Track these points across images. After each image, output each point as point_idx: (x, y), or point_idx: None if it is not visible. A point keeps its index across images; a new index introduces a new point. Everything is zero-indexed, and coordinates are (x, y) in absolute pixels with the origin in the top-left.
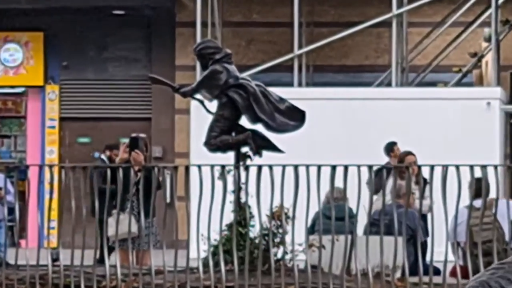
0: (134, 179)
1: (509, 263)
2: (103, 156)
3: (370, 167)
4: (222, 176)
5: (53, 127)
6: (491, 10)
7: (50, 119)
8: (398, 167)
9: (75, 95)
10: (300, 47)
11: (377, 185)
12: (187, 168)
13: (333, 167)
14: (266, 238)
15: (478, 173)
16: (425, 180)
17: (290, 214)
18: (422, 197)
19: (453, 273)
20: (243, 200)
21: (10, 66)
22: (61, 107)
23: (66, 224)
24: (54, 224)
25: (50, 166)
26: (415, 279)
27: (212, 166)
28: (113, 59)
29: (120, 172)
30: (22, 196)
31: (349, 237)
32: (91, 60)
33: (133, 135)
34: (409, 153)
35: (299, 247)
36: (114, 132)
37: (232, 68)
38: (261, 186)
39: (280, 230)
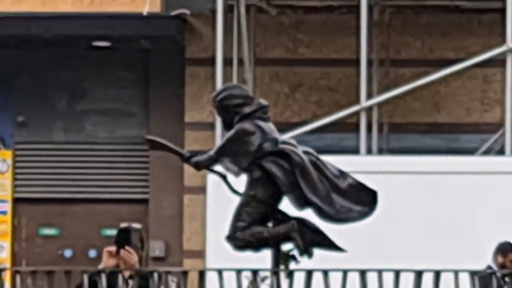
0: None
1: None
2: None
3: (473, 273)
4: (254, 286)
5: (4, 212)
6: None
7: (0, 200)
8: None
9: (36, 165)
10: (369, 96)
11: None
12: (201, 274)
13: (418, 273)
14: None
15: None
16: None
17: None
18: None
19: None
20: None
21: None
22: (16, 183)
23: None
24: None
25: (0, 271)
26: None
27: (239, 271)
28: (93, 112)
29: (103, 281)
30: None
31: None
32: (60, 114)
33: (123, 225)
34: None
35: None
36: (93, 221)
37: (269, 127)
38: None
39: None
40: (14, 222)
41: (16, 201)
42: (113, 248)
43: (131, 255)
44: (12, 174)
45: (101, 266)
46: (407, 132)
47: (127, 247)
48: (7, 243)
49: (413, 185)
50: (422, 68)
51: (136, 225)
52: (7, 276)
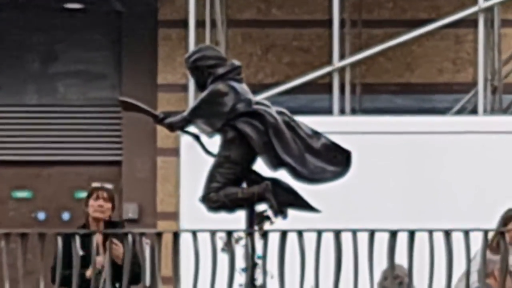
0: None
1: None
2: None
3: (446, 232)
4: (228, 247)
5: None
6: None
7: None
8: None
9: (8, 127)
10: (342, 56)
11: None
12: (175, 235)
13: (393, 233)
14: None
15: None
16: None
17: None
18: None
19: None
20: (259, 282)
21: None
22: None
23: None
24: None
25: None
26: None
27: (214, 232)
28: (66, 74)
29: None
30: None
31: None
32: (33, 76)
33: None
34: None
35: None
36: (66, 183)
37: (242, 88)
38: (285, 261)
39: None
40: None
41: None
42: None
43: (117, 247)
44: None
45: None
46: (380, 93)
47: (113, 239)
48: None
49: (386, 145)
50: (394, 28)
51: (108, 185)
52: None
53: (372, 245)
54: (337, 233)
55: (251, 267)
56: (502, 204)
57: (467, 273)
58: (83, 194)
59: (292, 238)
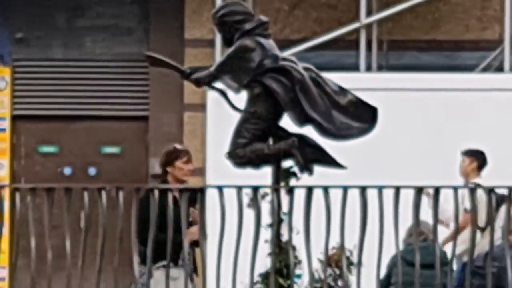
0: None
1: None
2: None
3: (472, 189)
4: (254, 203)
5: (3, 129)
6: None
7: None
8: None
9: (35, 83)
10: (369, 13)
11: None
12: (201, 191)
13: (418, 190)
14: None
15: None
16: None
17: (355, 258)
18: None
19: None
20: (284, 238)
21: None
22: (14, 100)
23: (22, 272)
24: (4, 273)
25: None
26: None
27: (240, 188)
28: (92, 29)
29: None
30: None
31: None
32: (59, 30)
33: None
34: None
35: None
36: (93, 138)
37: (269, 43)
38: (311, 217)
39: (340, 283)
40: (13, 139)
41: (14, 118)
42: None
43: (195, 212)
44: (10, 92)
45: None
46: (406, 50)
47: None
48: (6, 161)
49: (413, 102)
50: None
51: (180, 146)
52: (6, 193)
53: (398, 201)
54: (363, 190)
55: (276, 223)
56: None
57: (492, 230)
58: (109, 149)
59: (318, 194)
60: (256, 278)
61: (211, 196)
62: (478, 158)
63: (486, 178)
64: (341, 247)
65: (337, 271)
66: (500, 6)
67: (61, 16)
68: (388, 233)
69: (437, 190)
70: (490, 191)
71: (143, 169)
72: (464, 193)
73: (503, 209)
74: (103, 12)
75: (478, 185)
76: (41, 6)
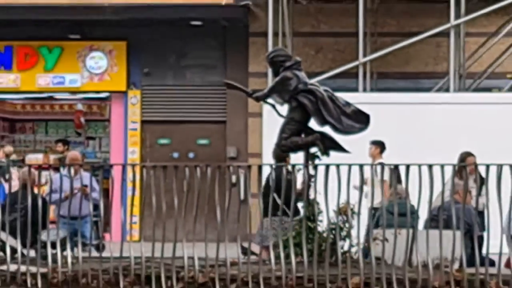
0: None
1: None
2: None
3: (430, 166)
4: (292, 174)
5: (135, 129)
6: None
7: (132, 122)
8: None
9: (155, 99)
10: (364, 55)
11: None
12: (259, 168)
13: (395, 166)
14: (333, 232)
15: None
16: (482, 178)
17: (356, 210)
18: (479, 194)
19: (508, 265)
20: (312, 197)
21: (95, 73)
22: (143, 110)
23: (147, 219)
24: (136, 219)
25: (133, 166)
26: (471, 270)
27: (283, 166)
28: (191, 66)
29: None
30: (106, 193)
31: (411, 231)
32: (171, 67)
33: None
34: (469, 154)
35: (364, 240)
36: (192, 134)
37: (302, 74)
38: (328, 183)
39: (347, 225)
40: (141, 135)
41: (143, 122)
42: None
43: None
44: (140, 105)
45: None
46: (388, 78)
47: None
48: (137, 149)
49: (392, 112)
50: (397, 37)
51: None
52: (137, 169)
53: (383, 174)
54: (361, 166)
55: (306, 187)
56: (468, 148)
57: (442, 195)
58: (202, 141)
59: (332, 169)
60: (294, 222)
61: (266, 171)
62: (380, 146)
63: (391, 159)
64: (347, 203)
65: (345, 218)
66: (447, 50)
67: (172, 57)
68: (377, 194)
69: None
70: (395, 167)
71: (222, 154)
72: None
73: (450, 179)
74: (198, 54)
75: (383, 164)
76: (159, 51)
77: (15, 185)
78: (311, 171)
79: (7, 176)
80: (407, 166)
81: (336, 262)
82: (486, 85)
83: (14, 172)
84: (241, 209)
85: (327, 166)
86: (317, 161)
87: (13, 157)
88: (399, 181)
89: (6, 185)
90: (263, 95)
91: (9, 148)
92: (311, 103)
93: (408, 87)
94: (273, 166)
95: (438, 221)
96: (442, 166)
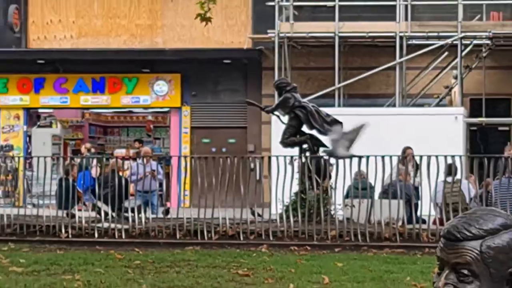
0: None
1: (469, 214)
2: None
3: (382, 157)
4: (291, 163)
5: (186, 132)
6: (457, 59)
7: (184, 127)
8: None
9: (200, 112)
10: (339, 82)
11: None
12: (269, 158)
13: (359, 158)
14: (319, 201)
15: (450, 160)
16: (417, 165)
17: (333, 186)
18: (415, 176)
19: (434, 222)
20: (306, 177)
21: (160, 94)
22: (192, 120)
23: (194, 192)
24: (187, 193)
25: (185, 157)
26: (410, 226)
27: (285, 157)
28: (223, 90)
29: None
30: (167, 175)
31: (369, 200)
32: (210, 90)
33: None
34: (408, 147)
35: (338, 206)
36: (224, 136)
37: (297, 95)
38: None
39: (327, 196)
40: (191, 136)
41: (192, 128)
42: None
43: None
44: (190, 117)
45: None
46: (355, 98)
47: None
48: (188, 146)
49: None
50: (361, 70)
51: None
52: (188, 160)
53: (351, 164)
54: (337, 158)
55: (300, 172)
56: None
57: (390, 176)
58: (231, 140)
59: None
60: (292, 194)
61: (274, 162)
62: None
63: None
64: (328, 182)
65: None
66: (394, 79)
67: (210, 84)
68: (344, 175)
69: (351, 157)
70: (390, 157)
71: (244, 149)
72: None
73: (395, 165)
74: (228, 82)
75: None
76: (202, 80)
77: (96, 171)
78: (303, 160)
79: (92, 164)
80: (367, 157)
81: (320, 221)
82: (421, 102)
83: (94, 162)
84: (256, 186)
85: (312, 157)
86: (307, 154)
87: (92, 151)
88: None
89: (93, 171)
90: (271, 109)
91: (89, 145)
92: (303, 115)
93: (368, 104)
94: (278, 157)
95: (388, 193)
96: (390, 157)
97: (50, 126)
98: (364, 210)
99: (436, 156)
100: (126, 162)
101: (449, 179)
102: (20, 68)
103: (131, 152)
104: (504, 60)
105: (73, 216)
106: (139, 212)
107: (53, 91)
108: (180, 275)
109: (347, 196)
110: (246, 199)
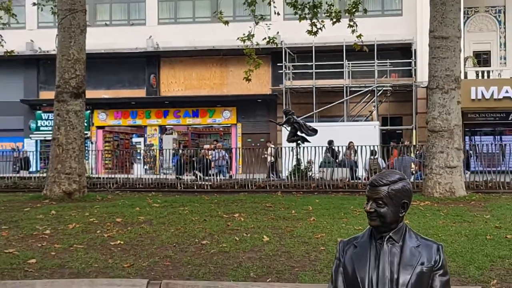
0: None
1: (382, 173)
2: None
3: (338, 147)
4: (293, 151)
5: (239, 135)
6: (375, 97)
7: (238, 134)
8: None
9: (247, 127)
10: (316, 109)
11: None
12: (281, 148)
13: (327, 148)
14: (306, 169)
15: (372, 148)
16: (355, 150)
17: (313, 161)
18: (354, 155)
19: (365, 179)
20: (299, 157)
21: (226, 118)
22: (242, 130)
23: (244, 166)
24: (240, 166)
25: (238, 148)
26: (353, 181)
27: (289, 147)
28: (257, 115)
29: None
30: (230, 158)
31: (331, 168)
32: (250, 116)
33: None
34: (351, 142)
35: (316, 172)
36: (258, 137)
37: (295, 116)
38: (306, 155)
39: (310, 166)
40: (242, 137)
41: (242, 134)
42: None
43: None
44: (241, 128)
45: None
46: (324, 118)
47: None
48: (240, 142)
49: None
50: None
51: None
52: (240, 150)
53: (321, 149)
54: (315, 147)
55: (296, 155)
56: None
57: (343, 154)
58: (261, 140)
59: (305, 148)
60: (292, 166)
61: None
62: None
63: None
64: (310, 160)
65: (310, 164)
66: (343, 108)
67: (251, 113)
68: (320, 156)
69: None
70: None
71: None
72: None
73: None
74: (259, 112)
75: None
76: (247, 111)
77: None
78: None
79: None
80: (329, 142)
81: (307, 179)
82: (357, 119)
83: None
84: (275, 162)
85: (303, 147)
86: (301, 145)
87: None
88: (332, 154)
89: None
90: (282, 124)
91: (207, 146)
92: (298, 126)
93: (330, 120)
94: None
95: (341, 165)
96: (343, 147)
97: (171, 134)
98: (329, 174)
99: (365, 146)
100: (210, 152)
101: (372, 157)
102: (156, 105)
103: (212, 146)
104: (398, 97)
105: (181, 178)
106: (216, 176)
107: (172, 117)
108: (238, 207)
109: (320, 166)
110: (269, 168)
